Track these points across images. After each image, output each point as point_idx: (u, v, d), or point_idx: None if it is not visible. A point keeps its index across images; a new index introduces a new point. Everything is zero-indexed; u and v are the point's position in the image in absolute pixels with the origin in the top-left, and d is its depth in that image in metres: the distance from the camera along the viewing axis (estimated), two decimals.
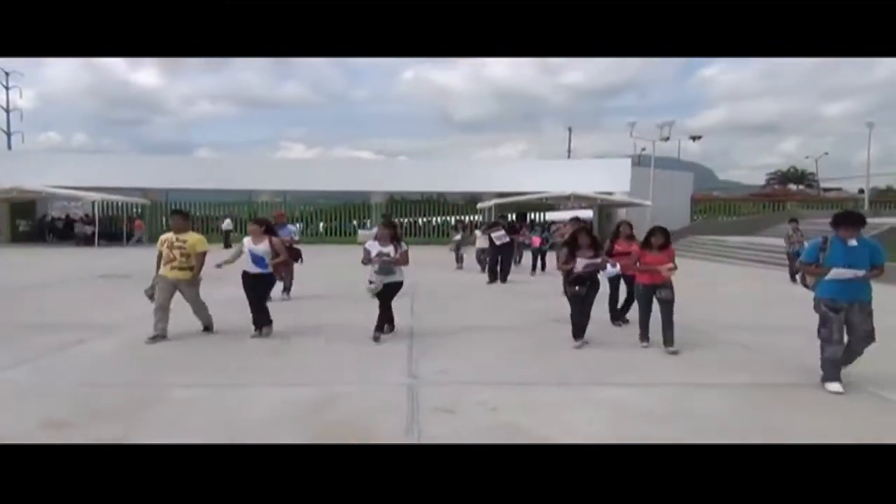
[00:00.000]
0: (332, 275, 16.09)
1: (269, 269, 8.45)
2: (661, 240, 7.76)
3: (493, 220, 21.23)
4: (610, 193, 32.19)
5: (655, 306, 7.76)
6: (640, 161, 41.57)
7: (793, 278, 15.86)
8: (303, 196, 40.38)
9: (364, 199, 38.25)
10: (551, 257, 18.04)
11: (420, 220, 40.07)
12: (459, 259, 19.68)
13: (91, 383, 5.95)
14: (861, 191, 45.38)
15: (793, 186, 71.48)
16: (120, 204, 35.38)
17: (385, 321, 8.30)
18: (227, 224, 32.64)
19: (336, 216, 40.21)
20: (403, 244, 8.24)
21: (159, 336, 7.80)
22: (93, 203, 31.69)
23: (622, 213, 33.69)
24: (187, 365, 6.70)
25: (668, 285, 7.71)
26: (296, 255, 11.20)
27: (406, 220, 39.29)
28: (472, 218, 32.86)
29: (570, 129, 77.15)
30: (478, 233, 18.71)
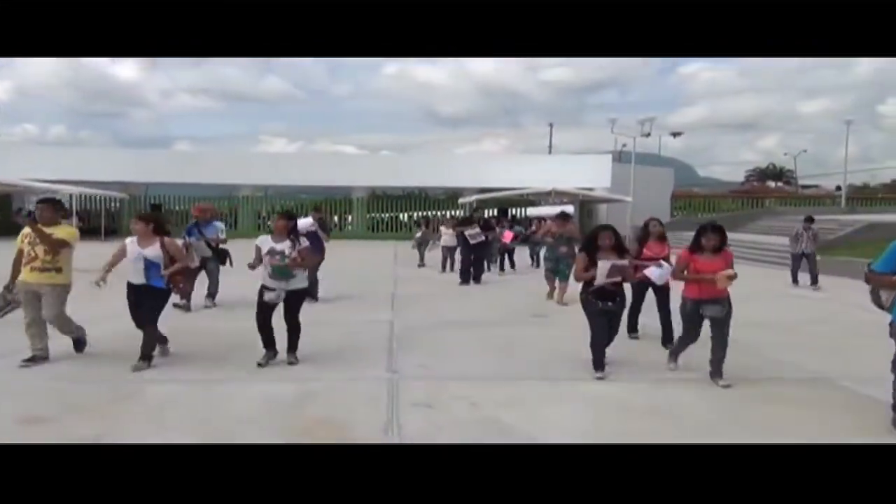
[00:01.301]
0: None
1: (164, 282, 6.35)
2: (714, 240, 6.06)
3: (467, 214, 19.84)
4: (591, 189, 32.30)
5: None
6: (620, 157, 41.76)
7: (794, 280, 14.40)
8: (284, 191, 40.14)
9: (346, 195, 38.06)
10: (522, 255, 17.65)
11: (402, 216, 39.99)
12: (422, 256, 17.94)
13: (66, 379, 5.87)
14: (838, 188, 45.90)
15: (771, 183, 72.14)
16: (98, 198, 34.95)
17: (294, 340, 6.68)
18: None
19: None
20: (303, 240, 6.63)
21: (39, 357, 6.34)
22: (70, 197, 31.28)
23: (603, 209, 33.86)
24: (164, 361, 6.61)
25: (723, 300, 6.05)
26: (224, 258, 10.01)
27: (387, 214, 39.20)
28: (453, 213, 32.80)
29: (551, 125, 77.10)
30: (443, 228, 16.93)
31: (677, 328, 6.84)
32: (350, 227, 37.40)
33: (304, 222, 10.70)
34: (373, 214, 38.67)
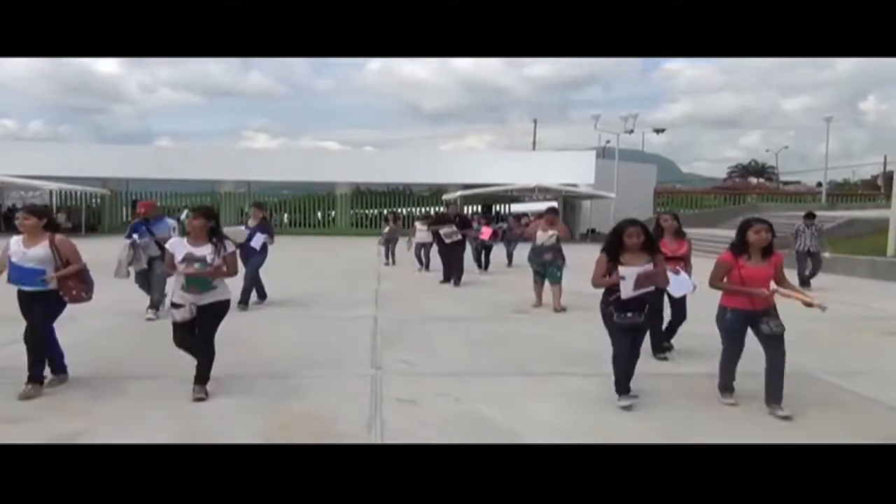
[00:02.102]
0: (296, 266, 15.95)
1: (50, 286, 5.32)
2: (766, 233, 4.96)
3: (441, 212, 18.69)
4: (575, 185, 32.43)
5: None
6: (604, 153, 41.95)
7: (803, 281, 12.39)
8: (266, 187, 39.97)
9: (329, 191, 37.96)
10: (498, 254, 17.16)
11: (386, 212, 39.98)
12: (388, 254, 17.52)
13: (44, 377, 5.75)
14: (819, 184, 46.39)
15: (753, 179, 72.77)
16: (79, 194, 34.61)
17: (204, 369, 5.28)
18: (185, 215, 31.91)
19: (300, 207, 39.81)
20: (229, 244, 5.40)
21: None
22: (50, 192, 30.96)
23: (587, 205, 34.01)
24: (144, 358, 6.53)
25: (774, 313, 5.01)
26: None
27: (371, 211, 39.16)
28: (435, 209, 32.74)
29: (535, 121, 77.61)
30: (418, 224, 16.24)
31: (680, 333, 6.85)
32: (333, 223, 37.29)
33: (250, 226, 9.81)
34: (356, 210, 38.58)
